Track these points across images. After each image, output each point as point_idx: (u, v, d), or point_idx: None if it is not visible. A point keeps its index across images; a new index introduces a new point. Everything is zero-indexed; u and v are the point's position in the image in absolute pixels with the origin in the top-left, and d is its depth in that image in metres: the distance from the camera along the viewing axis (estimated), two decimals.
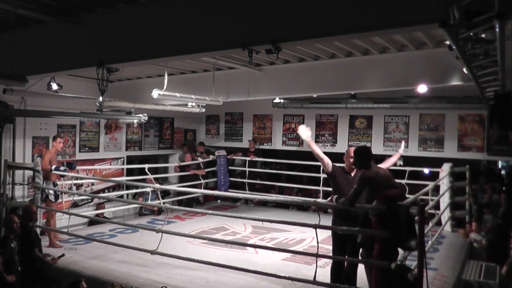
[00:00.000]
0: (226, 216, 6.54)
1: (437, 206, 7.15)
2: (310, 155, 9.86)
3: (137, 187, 9.21)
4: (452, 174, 7.73)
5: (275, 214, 9.29)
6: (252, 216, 5.87)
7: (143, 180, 9.03)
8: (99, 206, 8.59)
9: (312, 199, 5.66)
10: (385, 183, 4.34)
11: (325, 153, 5.19)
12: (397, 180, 8.32)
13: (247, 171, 10.31)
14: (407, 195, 7.07)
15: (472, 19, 3.21)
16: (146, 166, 8.89)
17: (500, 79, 4.77)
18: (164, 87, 7.00)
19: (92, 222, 8.00)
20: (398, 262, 4.08)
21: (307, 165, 9.77)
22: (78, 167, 7.89)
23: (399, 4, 3.81)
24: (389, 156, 5.74)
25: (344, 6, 4.08)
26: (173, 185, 9.21)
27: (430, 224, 6.19)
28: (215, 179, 10.86)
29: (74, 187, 8.04)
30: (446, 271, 5.75)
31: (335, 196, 4.61)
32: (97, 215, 8.37)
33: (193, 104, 9.06)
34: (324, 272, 5.17)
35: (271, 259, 6.03)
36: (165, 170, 11.01)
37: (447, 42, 4.24)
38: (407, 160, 9.17)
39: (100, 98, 6.84)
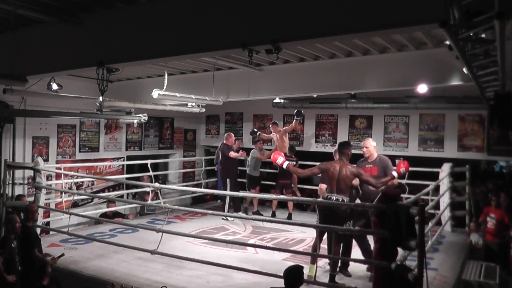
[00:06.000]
0: (226, 216, 6.57)
1: (437, 206, 7.15)
2: (310, 155, 9.92)
3: (137, 187, 9.20)
4: (452, 174, 7.73)
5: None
6: (252, 216, 5.87)
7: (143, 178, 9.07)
8: (109, 204, 8.50)
9: (312, 199, 5.68)
10: None
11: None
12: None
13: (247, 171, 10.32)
14: (407, 195, 7.16)
15: (472, 19, 3.22)
16: (149, 161, 8.91)
17: (500, 79, 4.77)
18: (164, 87, 7.00)
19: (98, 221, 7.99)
20: (398, 262, 4.09)
21: (307, 165, 9.77)
22: (78, 165, 7.84)
23: (399, 4, 3.81)
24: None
25: (344, 6, 4.07)
26: (173, 185, 9.19)
27: (430, 224, 6.19)
28: (216, 179, 10.88)
29: (74, 187, 8.04)
30: (446, 271, 5.76)
31: None
32: (105, 213, 8.32)
33: (193, 104, 9.06)
34: (324, 272, 5.19)
35: (271, 259, 6.03)
36: (165, 168, 11.04)
37: (447, 42, 4.24)
38: (407, 160, 9.16)
39: (100, 98, 6.83)
